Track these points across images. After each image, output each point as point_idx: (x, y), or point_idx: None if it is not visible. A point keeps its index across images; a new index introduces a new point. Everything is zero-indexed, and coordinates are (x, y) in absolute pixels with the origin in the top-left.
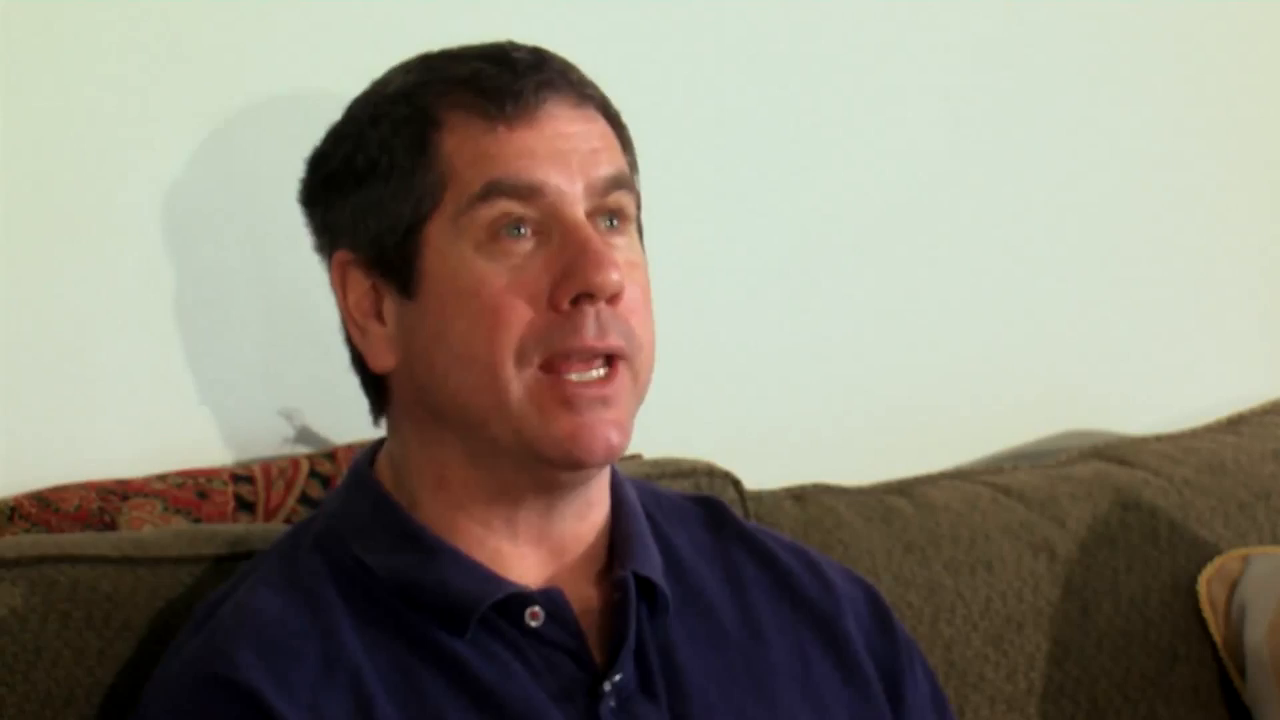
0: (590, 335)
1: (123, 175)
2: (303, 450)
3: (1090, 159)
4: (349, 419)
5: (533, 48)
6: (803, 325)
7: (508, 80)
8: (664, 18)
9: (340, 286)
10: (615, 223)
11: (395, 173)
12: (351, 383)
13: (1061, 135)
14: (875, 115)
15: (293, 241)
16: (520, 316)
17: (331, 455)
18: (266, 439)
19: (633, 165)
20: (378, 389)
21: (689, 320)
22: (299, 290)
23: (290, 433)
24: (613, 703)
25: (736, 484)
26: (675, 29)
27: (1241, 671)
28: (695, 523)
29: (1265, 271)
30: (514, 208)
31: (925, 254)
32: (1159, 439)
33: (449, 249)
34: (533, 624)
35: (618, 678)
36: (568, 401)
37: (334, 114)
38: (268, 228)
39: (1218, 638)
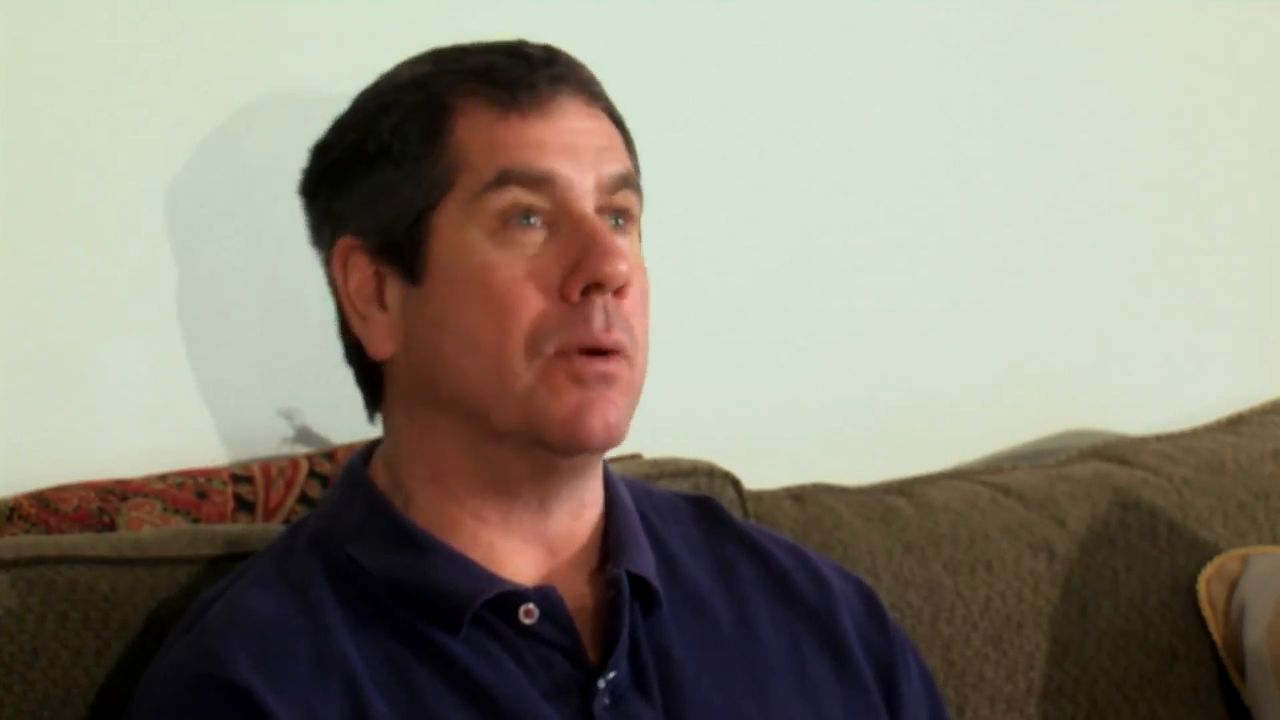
0: (598, 326)
1: (123, 175)
2: (302, 450)
3: (1089, 159)
4: (348, 419)
5: (545, 45)
6: (803, 326)
7: (522, 72)
8: (666, 21)
9: (341, 273)
10: (621, 222)
11: (407, 159)
12: (351, 382)
13: (1061, 136)
14: (876, 116)
15: (292, 241)
16: (531, 306)
17: (331, 455)
18: (266, 439)
19: (636, 169)
20: (373, 380)
21: (689, 320)
22: (299, 290)
23: (290, 433)
24: (606, 700)
25: (736, 484)
26: (677, 32)
27: (1241, 671)
28: (689, 521)
29: (1265, 271)
30: (525, 196)
31: (925, 254)
32: (1159, 439)
33: (459, 236)
34: (527, 622)
35: (611, 675)
36: (577, 376)
37: (334, 113)
38: (267, 227)
39: (1217, 637)
